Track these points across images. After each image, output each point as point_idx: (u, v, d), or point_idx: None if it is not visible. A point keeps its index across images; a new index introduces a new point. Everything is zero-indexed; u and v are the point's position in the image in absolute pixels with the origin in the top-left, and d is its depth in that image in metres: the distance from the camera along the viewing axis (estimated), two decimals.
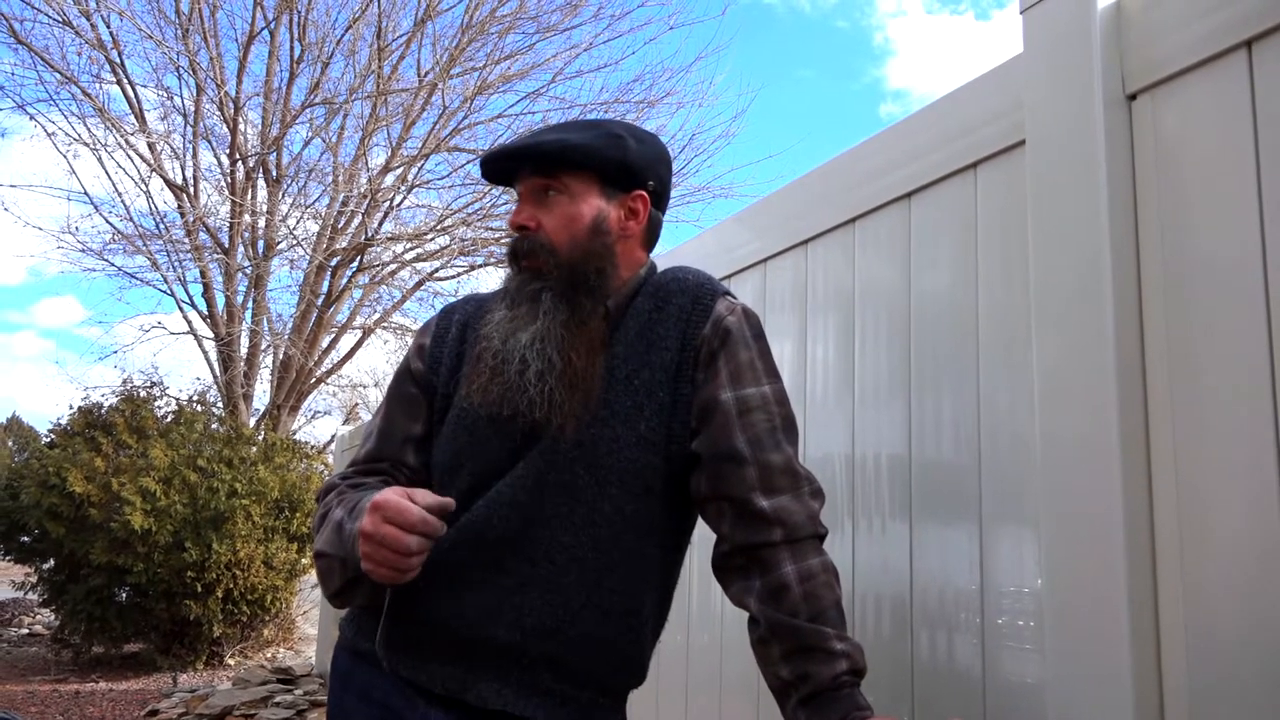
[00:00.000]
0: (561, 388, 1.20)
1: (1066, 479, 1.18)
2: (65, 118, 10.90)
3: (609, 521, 1.22)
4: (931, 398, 1.50)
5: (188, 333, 11.28)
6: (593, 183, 1.28)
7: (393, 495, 1.11)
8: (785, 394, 1.28)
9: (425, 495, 1.12)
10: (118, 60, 10.96)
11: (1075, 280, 1.20)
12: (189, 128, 11.33)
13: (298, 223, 11.73)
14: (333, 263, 11.54)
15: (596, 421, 1.22)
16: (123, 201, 11.65)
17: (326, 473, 8.31)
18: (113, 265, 11.19)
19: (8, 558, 8.17)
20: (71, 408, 8.46)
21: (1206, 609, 1.05)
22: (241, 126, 11.21)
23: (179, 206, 11.13)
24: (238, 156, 11.15)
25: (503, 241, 10.74)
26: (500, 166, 1.33)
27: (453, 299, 1.74)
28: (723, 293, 1.31)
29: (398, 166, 11.76)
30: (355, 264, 11.78)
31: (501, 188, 1.44)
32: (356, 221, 11.63)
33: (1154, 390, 1.13)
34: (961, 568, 1.41)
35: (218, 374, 10.97)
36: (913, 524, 1.51)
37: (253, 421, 10.82)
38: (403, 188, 11.82)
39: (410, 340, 1.55)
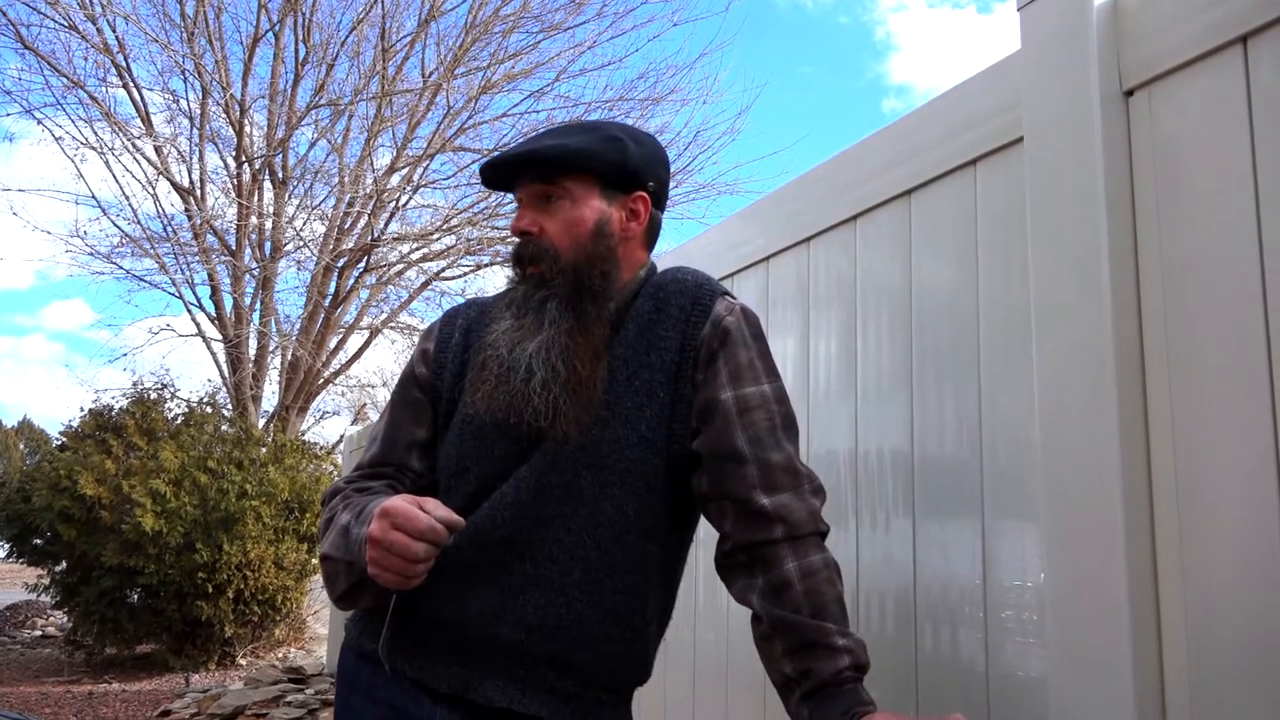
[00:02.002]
0: (565, 395, 1.21)
1: (1067, 473, 1.19)
2: (72, 122, 10.97)
3: (611, 521, 1.23)
4: (934, 393, 1.51)
5: (196, 335, 11.35)
6: (593, 186, 1.29)
7: (402, 502, 1.11)
8: (785, 393, 1.28)
9: (437, 506, 1.12)
10: (124, 64, 11.02)
11: (1074, 275, 1.20)
12: (195, 131, 11.38)
13: (304, 224, 11.78)
14: (339, 263, 11.58)
15: (598, 422, 1.23)
16: (130, 205, 11.74)
17: (336, 473, 8.35)
18: (121, 268, 11.26)
19: (20, 560, 8.21)
20: (82, 410, 8.50)
21: (1206, 601, 1.06)
22: (247, 129, 11.26)
23: (186, 209, 11.19)
24: (244, 159, 11.19)
25: (508, 241, 10.74)
26: (500, 173, 1.33)
27: (460, 298, 1.75)
28: (721, 293, 1.31)
29: (403, 167, 11.80)
30: (362, 264, 11.81)
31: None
32: (363, 222, 11.66)
33: (1153, 384, 1.14)
34: (965, 562, 1.41)
35: (226, 375, 11.02)
36: (916, 519, 1.52)
37: (262, 423, 10.87)
38: (408, 188, 11.86)
39: (416, 341, 1.55)
